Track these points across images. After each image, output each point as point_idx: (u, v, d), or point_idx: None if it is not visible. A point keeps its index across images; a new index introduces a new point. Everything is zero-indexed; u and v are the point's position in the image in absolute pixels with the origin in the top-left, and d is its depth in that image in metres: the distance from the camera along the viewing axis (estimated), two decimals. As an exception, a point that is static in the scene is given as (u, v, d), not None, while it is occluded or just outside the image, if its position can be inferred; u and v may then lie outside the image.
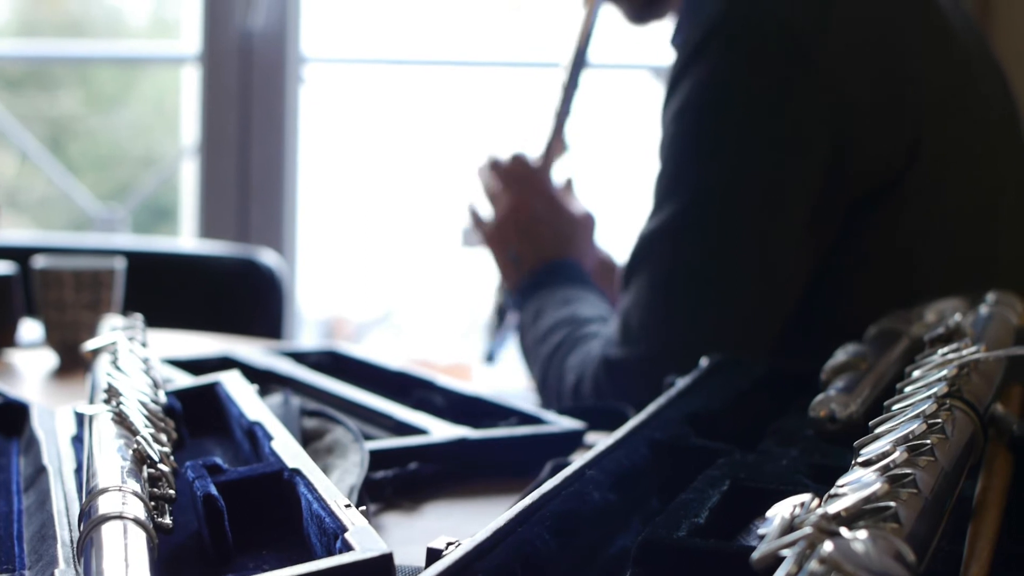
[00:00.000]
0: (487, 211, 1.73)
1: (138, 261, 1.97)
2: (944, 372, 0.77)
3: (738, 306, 1.36)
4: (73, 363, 1.59)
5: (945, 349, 0.83)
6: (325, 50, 3.12)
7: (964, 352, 0.81)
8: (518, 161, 1.71)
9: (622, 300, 1.42)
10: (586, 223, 1.71)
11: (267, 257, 2.49)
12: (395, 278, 3.28)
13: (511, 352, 1.88)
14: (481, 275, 3.17)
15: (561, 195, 1.71)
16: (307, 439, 0.98)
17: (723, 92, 1.37)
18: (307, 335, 3.31)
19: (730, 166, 1.36)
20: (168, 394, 0.95)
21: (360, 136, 3.22)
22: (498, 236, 1.69)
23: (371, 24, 3.19)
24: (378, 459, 0.98)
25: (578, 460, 0.75)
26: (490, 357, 1.88)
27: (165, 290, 2.35)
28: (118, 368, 0.92)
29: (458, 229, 2.93)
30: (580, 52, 1.71)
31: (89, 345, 1.01)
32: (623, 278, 1.43)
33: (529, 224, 1.67)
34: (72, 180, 3.30)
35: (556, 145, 1.73)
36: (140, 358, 0.98)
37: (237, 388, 0.98)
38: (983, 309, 0.99)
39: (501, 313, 1.83)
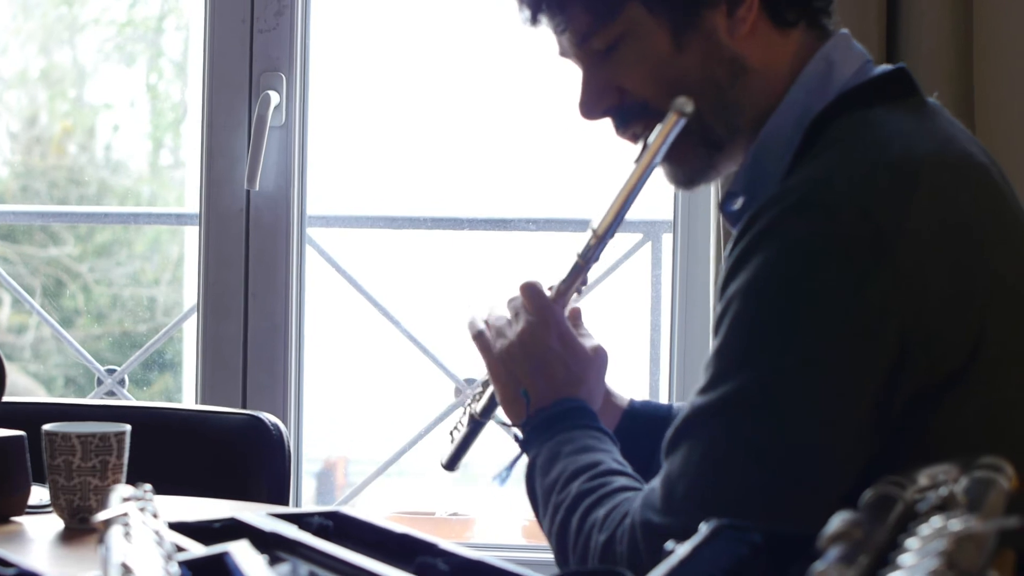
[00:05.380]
0: (492, 338, 1.65)
1: (142, 419, 1.99)
2: (938, 544, 0.79)
3: (790, 490, 1.34)
4: (81, 528, 1.60)
5: (938, 519, 0.85)
6: (329, 209, 3.15)
7: (957, 524, 0.83)
8: (532, 292, 1.63)
9: (667, 465, 1.40)
10: (598, 360, 1.65)
11: (270, 417, 2.49)
12: (396, 430, 3.29)
13: (470, 462, 1.81)
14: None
15: (573, 331, 1.65)
16: (314, 608, 0.99)
17: (796, 274, 1.35)
18: (309, 487, 3.32)
19: (797, 349, 1.34)
20: (180, 564, 0.97)
21: (364, 294, 3.25)
22: (505, 368, 1.62)
23: (375, 185, 3.25)
24: (384, 628, 1.00)
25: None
26: (451, 467, 1.79)
27: (170, 449, 2.36)
28: (130, 542, 0.94)
29: (452, 386, 2.93)
30: (623, 206, 1.61)
31: (100, 516, 1.04)
32: (668, 443, 1.40)
33: (542, 360, 1.60)
34: (69, 330, 3.32)
35: (575, 283, 1.65)
36: (151, 529, 1.00)
37: (245, 559, 1.00)
38: (975, 474, 1.01)
39: (474, 424, 1.75)
